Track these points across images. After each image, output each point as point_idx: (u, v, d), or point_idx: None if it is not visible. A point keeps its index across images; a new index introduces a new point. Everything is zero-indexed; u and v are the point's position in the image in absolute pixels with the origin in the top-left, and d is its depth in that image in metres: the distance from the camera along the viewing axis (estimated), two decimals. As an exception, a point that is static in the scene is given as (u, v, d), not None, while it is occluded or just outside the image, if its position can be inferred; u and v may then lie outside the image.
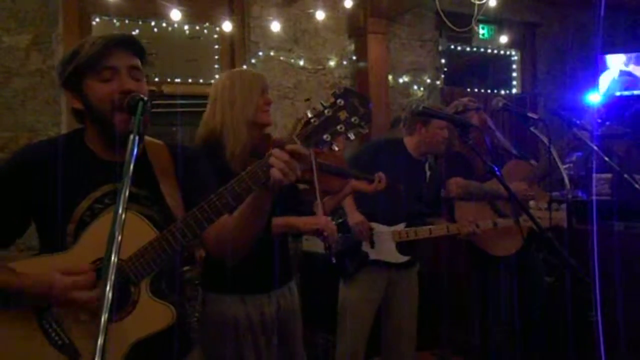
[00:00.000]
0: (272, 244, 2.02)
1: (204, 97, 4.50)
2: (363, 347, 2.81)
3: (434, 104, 4.50)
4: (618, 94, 5.54)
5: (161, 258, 1.27)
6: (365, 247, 2.76)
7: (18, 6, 3.56)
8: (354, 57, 4.76)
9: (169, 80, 4.28)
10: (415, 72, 5.07)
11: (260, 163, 1.21)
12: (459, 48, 5.47)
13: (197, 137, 2.05)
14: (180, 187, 1.44)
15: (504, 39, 5.52)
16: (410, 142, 2.89)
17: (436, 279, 3.87)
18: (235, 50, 4.49)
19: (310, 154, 1.99)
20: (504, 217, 2.93)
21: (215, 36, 4.49)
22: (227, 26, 4.27)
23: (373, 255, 2.76)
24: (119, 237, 0.98)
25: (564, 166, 2.82)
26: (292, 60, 4.53)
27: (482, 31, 5.68)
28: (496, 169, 1.95)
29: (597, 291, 1.78)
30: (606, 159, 2.38)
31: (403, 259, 2.80)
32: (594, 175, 3.23)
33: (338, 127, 1.19)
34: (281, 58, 4.48)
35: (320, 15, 4.49)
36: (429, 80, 5.12)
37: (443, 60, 5.30)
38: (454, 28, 4.62)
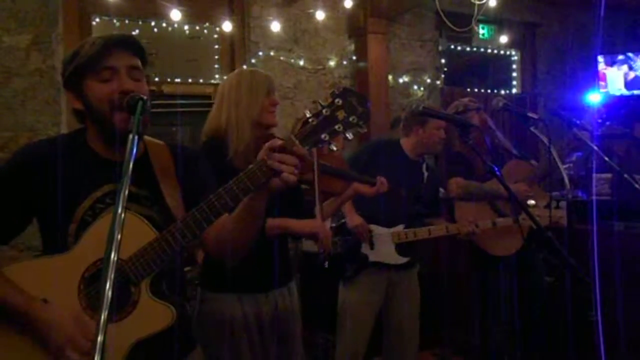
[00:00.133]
0: (270, 244, 2.02)
1: (204, 97, 4.56)
2: (363, 350, 2.81)
3: (433, 104, 4.50)
4: (618, 93, 5.54)
5: (161, 258, 1.27)
6: (365, 249, 2.76)
7: (18, 6, 3.56)
8: (354, 57, 4.76)
9: (169, 80, 4.28)
10: (415, 72, 5.07)
11: (258, 164, 1.21)
12: (459, 48, 5.47)
13: (202, 134, 2.07)
14: (180, 187, 1.44)
15: (504, 39, 5.52)
16: (407, 143, 2.89)
17: (436, 279, 3.87)
18: (235, 50, 4.50)
19: (313, 155, 2.00)
20: (503, 216, 2.93)
21: (215, 36, 4.49)
22: (227, 26, 4.27)
23: (373, 257, 2.76)
24: (119, 237, 0.98)
25: (564, 166, 2.82)
26: (292, 60, 4.53)
27: (482, 31, 5.68)
28: (496, 169, 1.95)
29: (597, 291, 1.78)
30: (606, 158, 2.38)
31: (403, 260, 2.79)
32: (594, 175, 3.23)
33: (336, 127, 1.18)
34: (281, 58, 4.49)
35: (320, 15, 4.49)
36: (429, 80, 5.12)
37: (443, 60, 5.30)
38: (454, 28, 4.62)
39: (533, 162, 3.11)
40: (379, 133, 4.19)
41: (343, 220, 2.78)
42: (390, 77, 4.85)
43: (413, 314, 2.90)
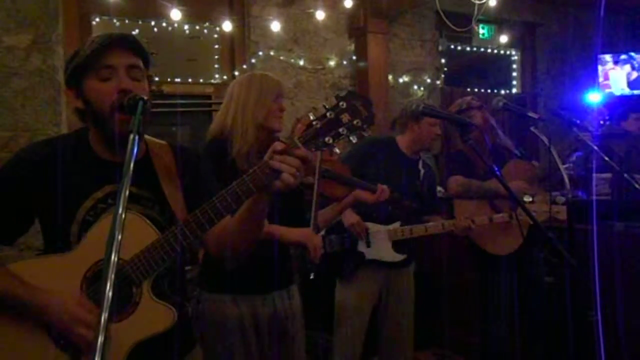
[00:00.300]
0: (270, 247, 2.01)
1: (204, 97, 4.56)
2: (360, 347, 2.81)
3: (433, 104, 4.50)
4: (619, 93, 5.55)
5: (163, 259, 1.28)
6: (361, 247, 2.76)
7: (18, 6, 3.56)
8: (354, 57, 4.76)
9: (169, 80, 4.28)
10: (415, 72, 5.07)
11: (261, 165, 1.21)
12: (459, 48, 5.47)
13: (208, 132, 2.09)
14: (182, 187, 1.44)
15: (504, 38, 5.52)
16: (402, 140, 2.89)
17: (436, 279, 3.88)
18: (235, 50, 4.50)
19: (317, 159, 2.00)
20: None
21: (215, 36, 4.49)
22: (227, 26, 4.27)
23: (369, 255, 2.76)
24: (119, 237, 0.98)
25: (564, 166, 2.82)
26: (292, 60, 4.53)
27: (482, 31, 5.69)
28: (496, 168, 1.95)
29: (597, 291, 1.78)
30: (606, 158, 2.38)
31: (399, 257, 2.79)
32: (594, 175, 3.23)
33: (340, 130, 1.19)
34: (281, 58, 4.49)
35: (320, 15, 4.49)
36: (429, 80, 5.12)
37: (443, 60, 5.30)
38: (454, 28, 4.62)
39: (534, 162, 3.11)
40: (379, 133, 4.18)
41: (339, 218, 2.78)
42: (390, 77, 4.85)
43: (409, 312, 2.91)
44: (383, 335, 2.91)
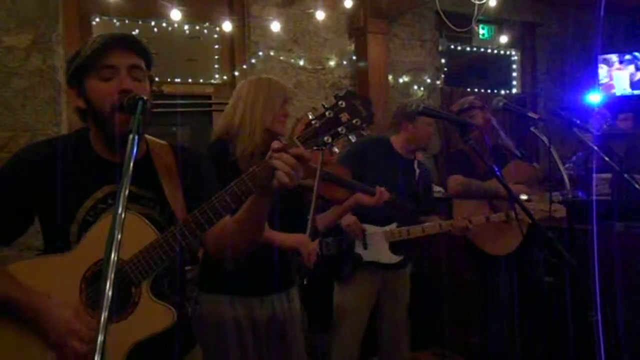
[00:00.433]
0: (269, 249, 2.01)
1: (204, 97, 4.56)
2: (358, 349, 2.81)
3: (431, 104, 4.50)
4: (620, 93, 5.55)
5: (162, 259, 1.27)
6: (359, 249, 2.75)
7: (18, 6, 3.56)
8: (354, 57, 4.76)
9: (168, 80, 4.28)
10: (415, 72, 5.07)
11: (261, 165, 1.21)
12: (459, 48, 5.47)
13: (213, 132, 2.11)
14: (183, 187, 1.44)
15: (504, 39, 5.52)
16: (397, 140, 2.88)
17: (436, 279, 3.88)
18: (235, 50, 4.50)
19: (318, 160, 1.99)
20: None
21: (215, 36, 4.49)
22: (227, 26, 4.27)
23: (367, 257, 2.75)
24: (119, 236, 0.98)
25: (564, 166, 2.82)
26: (292, 60, 4.53)
27: (482, 31, 5.69)
28: (496, 169, 1.95)
29: (597, 291, 1.78)
30: (606, 158, 2.38)
31: (397, 259, 2.79)
32: (594, 175, 3.23)
33: (339, 129, 1.18)
34: (281, 58, 4.49)
35: (320, 15, 4.49)
36: (429, 80, 5.12)
37: (443, 60, 5.30)
38: (454, 28, 4.62)
39: (535, 164, 3.11)
40: (379, 133, 4.18)
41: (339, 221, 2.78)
42: (390, 77, 4.85)
43: (404, 312, 2.92)
44: (381, 336, 2.92)
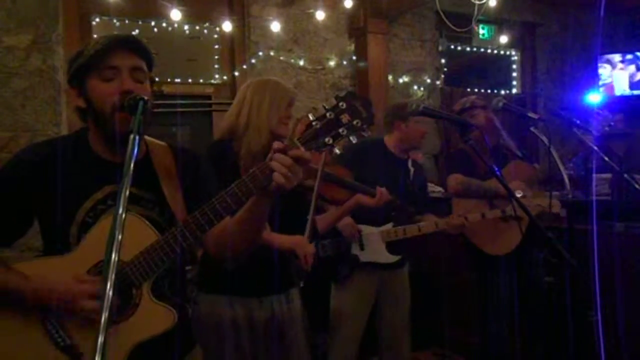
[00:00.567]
0: (268, 249, 2.01)
1: (204, 97, 4.55)
2: (356, 350, 2.81)
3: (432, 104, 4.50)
4: (619, 93, 5.54)
5: (162, 260, 1.28)
6: (355, 250, 2.75)
7: (18, 6, 3.56)
8: (354, 57, 4.76)
9: (169, 80, 4.28)
10: (415, 72, 5.07)
11: (261, 166, 1.21)
12: (459, 48, 5.47)
13: (216, 132, 2.13)
14: (183, 188, 1.44)
15: (504, 39, 5.52)
16: (390, 140, 2.88)
17: (436, 279, 3.88)
18: (235, 50, 4.50)
19: (321, 161, 1.99)
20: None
21: (215, 36, 4.48)
22: (227, 26, 4.27)
23: (364, 257, 2.75)
24: (119, 237, 0.98)
25: (564, 166, 2.82)
26: (292, 60, 4.53)
27: (482, 31, 5.69)
28: (496, 168, 1.95)
29: (597, 291, 1.79)
30: (606, 158, 2.38)
31: (393, 259, 2.78)
32: (594, 175, 3.23)
33: (340, 130, 1.18)
34: (281, 58, 4.49)
35: (320, 15, 4.49)
36: (429, 80, 5.12)
37: (443, 60, 5.30)
38: (454, 28, 4.62)
39: (535, 165, 3.11)
40: (378, 134, 4.18)
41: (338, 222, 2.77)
42: (390, 77, 4.85)
43: (405, 312, 2.91)
44: (381, 336, 2.91)
